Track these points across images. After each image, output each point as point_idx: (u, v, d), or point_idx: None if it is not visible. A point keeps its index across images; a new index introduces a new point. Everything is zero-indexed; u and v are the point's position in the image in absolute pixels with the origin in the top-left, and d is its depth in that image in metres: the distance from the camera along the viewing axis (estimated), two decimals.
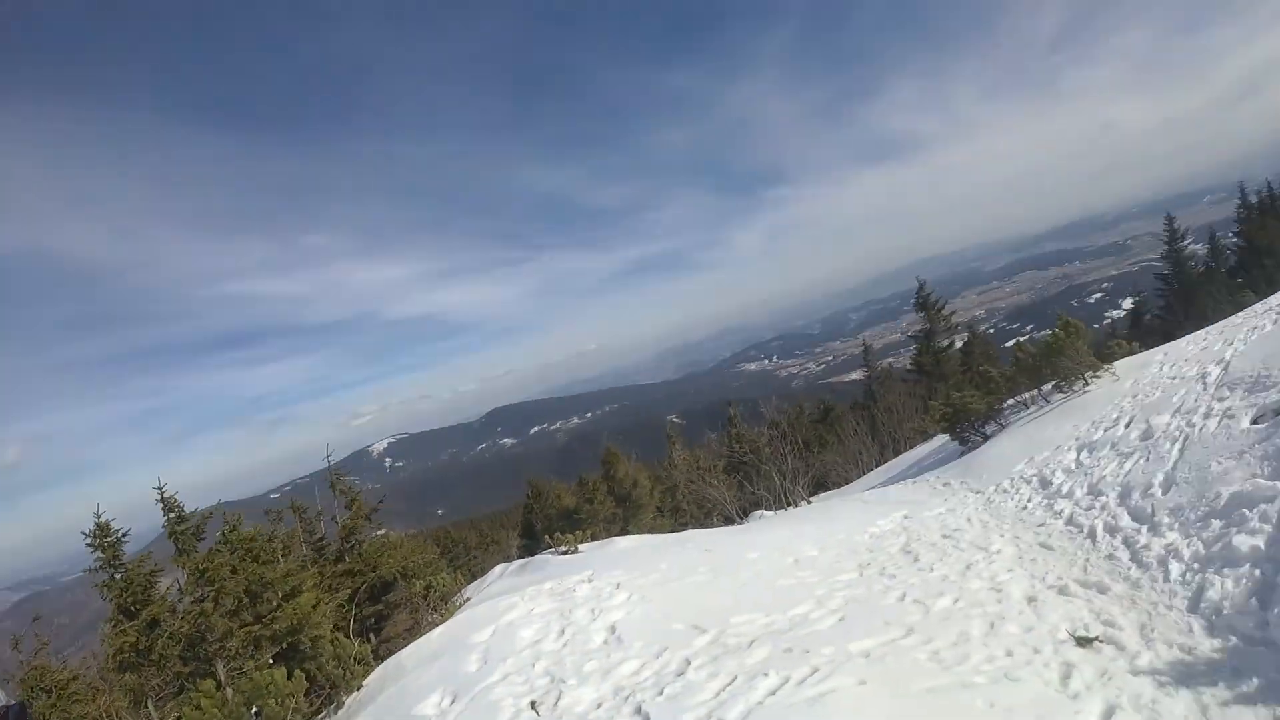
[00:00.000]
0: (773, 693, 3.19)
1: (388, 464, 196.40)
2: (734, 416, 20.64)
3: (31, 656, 4.67)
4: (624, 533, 14.39)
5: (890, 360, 33.00)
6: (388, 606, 6.49)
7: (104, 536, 4.62)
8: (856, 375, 34.86)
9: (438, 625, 5.26)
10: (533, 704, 3.59)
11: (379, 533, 7.11)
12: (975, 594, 4.19)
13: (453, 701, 3.86)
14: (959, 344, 24.01)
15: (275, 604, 4.74)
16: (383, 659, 5.36)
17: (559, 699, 3.62)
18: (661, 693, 3.45)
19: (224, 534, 5.03)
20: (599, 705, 3.49)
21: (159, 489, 4.81)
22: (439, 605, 6.05)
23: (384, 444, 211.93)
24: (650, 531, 14.27)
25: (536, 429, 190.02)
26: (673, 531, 11.33)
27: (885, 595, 4.40)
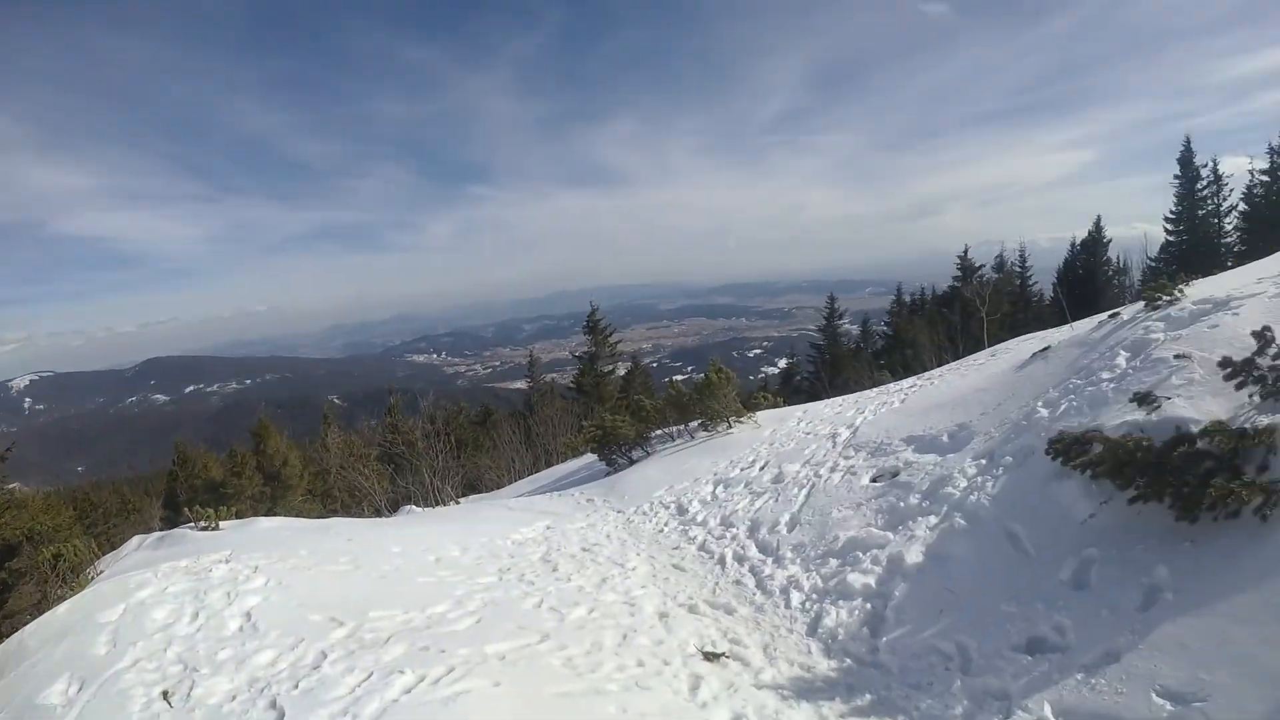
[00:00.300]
0: (408, 690, 4.48)
1: (27, 405, 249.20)
2: (394, 405, 28.73)
3: None
4: (271, 513, 17.89)
5: (554, 375, 45.02)
6: (11, 575, 7.72)
7: None
8: (520, 384, 47.89)
9: (61, 603, 6.39)
10: (164, 694, 4.64)
11: (9, 486, 8.63)
12: (609, 606, 6.17)
13: (80, 689, 4.79)
14: (621, 371, 34.89)
15: None
16: (4, 636, 6.28)
17: (191, 689, 4.66)
18: (297, 686, 4.60)
19: None
20: (233, 697, 4.56)
21: None
22: (69, 577, 7.30)
23: (25, 380, 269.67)
24: (299, 515, 17.91)
25: (192, 388, 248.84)
26: (321, 517, 14.46)
27: (523, 601, 6.28)
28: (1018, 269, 35.61)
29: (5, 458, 8.92)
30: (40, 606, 7.00)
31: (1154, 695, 3.76)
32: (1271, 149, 29.11)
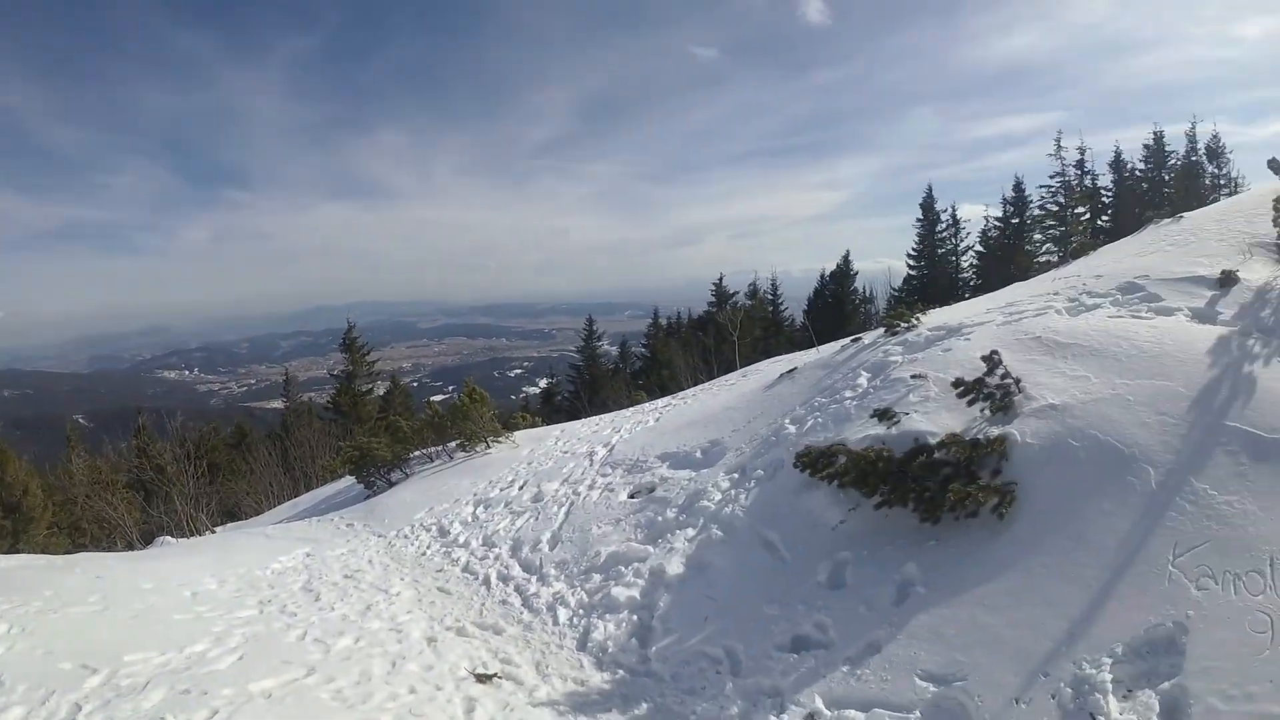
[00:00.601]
0: None
1: None
2: (143, 427, 26.96)
3: None
4: (13, 550, 16.14)
5: (312, 395, 42.77)
6: None
7: None
8: (278, 404, 45.14)
9: None
10: None
11: None
12: (376, 634, 5.99)
13: None
14: (380, 391, 34.01)
15: None
16: None
17: None
18: None
19: None
20: None
21: None
22: None
23: None
24: (43, 550, 16.40)
25: None
26: (69, 553, 13.44)
27: (287, 633, 5.97)
28: (770, 296, 38.07)
29: None
30: None
31: (917, 679, 4.15)
32: (1004, 199, 33.92)
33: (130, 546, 17.59)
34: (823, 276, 37.64)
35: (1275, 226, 7.82)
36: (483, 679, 5.35)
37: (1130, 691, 3.71)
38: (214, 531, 16.79)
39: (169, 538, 15.19)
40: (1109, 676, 3.79)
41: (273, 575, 8.10)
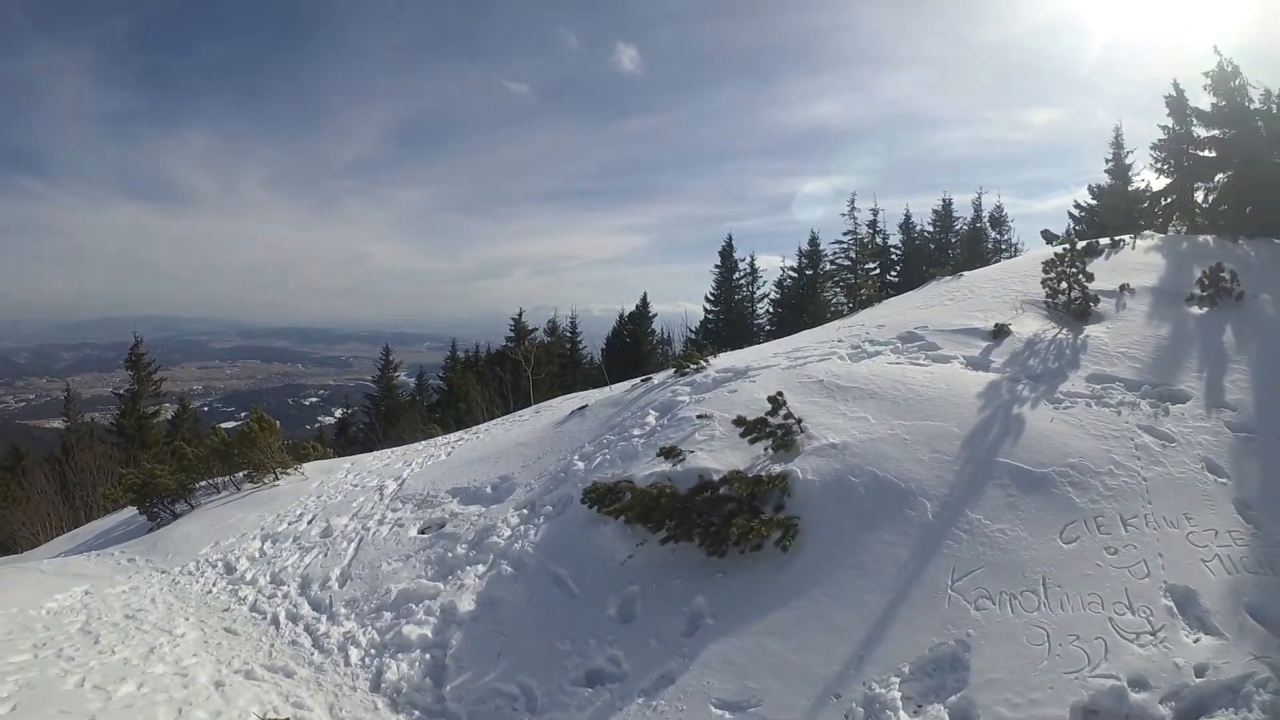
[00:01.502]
0: None
1: None
2: None
3: None
4: None
5: (96, 414, 38.94)
6: None
7: None
8: (58, 423, 41.60)
9: None
10: None
11: None
12: (160, 679, 5.78)
13: None
14: (169, 414, 31.93)
15: None
16: None
17: None
18: None
19: None
20: None
21: None
22: None
23: None
24: None
25: None
26: None
27: (64, 680, 5.66)
28: (569, 334, 38.47)
29: None
30: None
31: (712, 708, 4.46)
32: (801, 251, 36.15)
33: None
34: (622, 317, 38.31)
35: (1044, 287, 8.80)
36: None
37: (920, 707, 4.13)
38: None
39: None
40: (899, 694, 4.22)
41: (48, 615, 7.63)
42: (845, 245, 32.99)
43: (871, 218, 34.73)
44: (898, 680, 4.31)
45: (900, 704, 4.18)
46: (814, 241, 36.35)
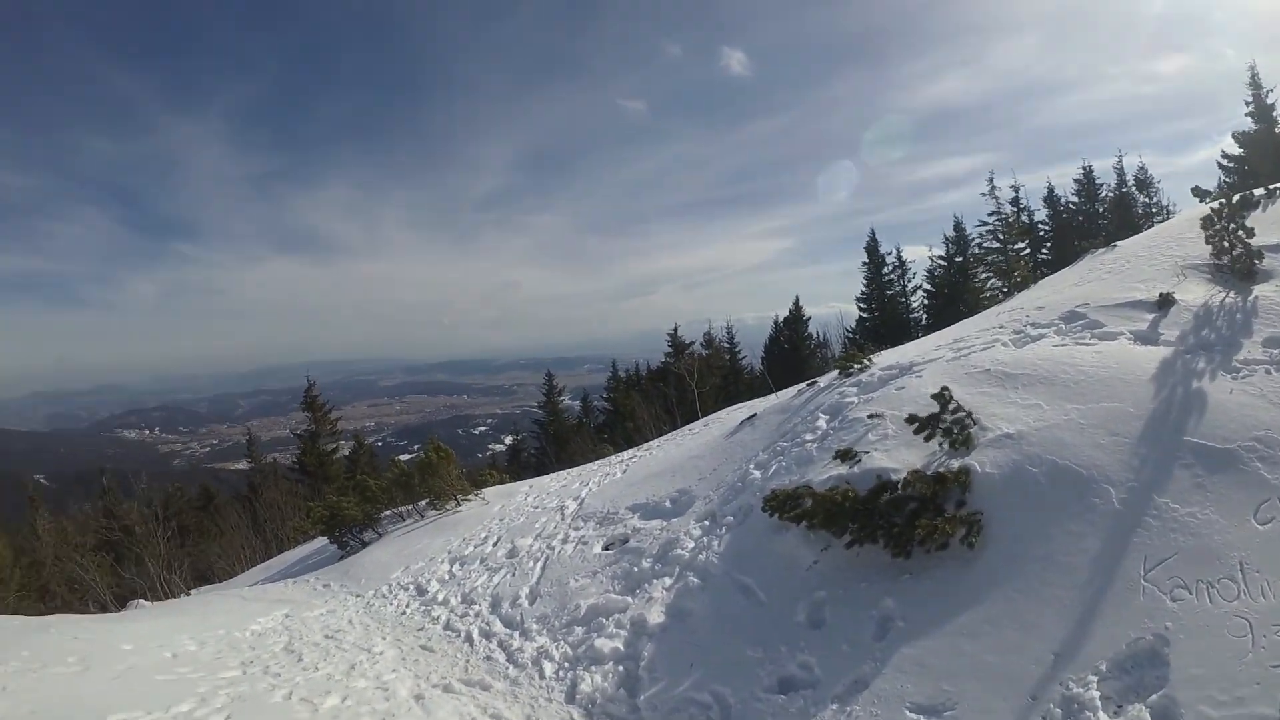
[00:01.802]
0: None
1: None
2: (109, 488, 27.61)
3: None
4: None
5: (277, 455, 42.66)
6: None
7: None
8: (242, 465, 44.95)
9: None
10: None
11: None
12: (363, 692, 6.01)
13: None
14: (346, 450, 33.99)
15: None
16: None
17: None
18: None
19: None
20: None
21: None
22: None
23: None
24: (15, 613, 15.57)
25: None
26: (41, 615, 12.72)
27: (272, 693, 5.96)
28: (726, 344, 38.44)
29: None
30: None
31: (907, 711, 4.24)
32: (946, 239, 34.82)
33: (104, 609, 17.52)
34: (776, 323, 37.93)
35: (1208, 245, 8.08)
36: None
37: (1120, 707, 3.82)
38: (189, 594, 16.81)
39: (143, 601, 15.29)
40: (1097, 694, 3.91)
41: (253, 636, 8.04)
42: (991, 227, 31.16)
43: (1013, 194, 33.36)
44: (1095, 679, 3.99)
45: (1099, 704, 3.87)
46: (958, 226, 34.96)
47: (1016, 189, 33.03)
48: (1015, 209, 32.92)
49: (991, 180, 30.36)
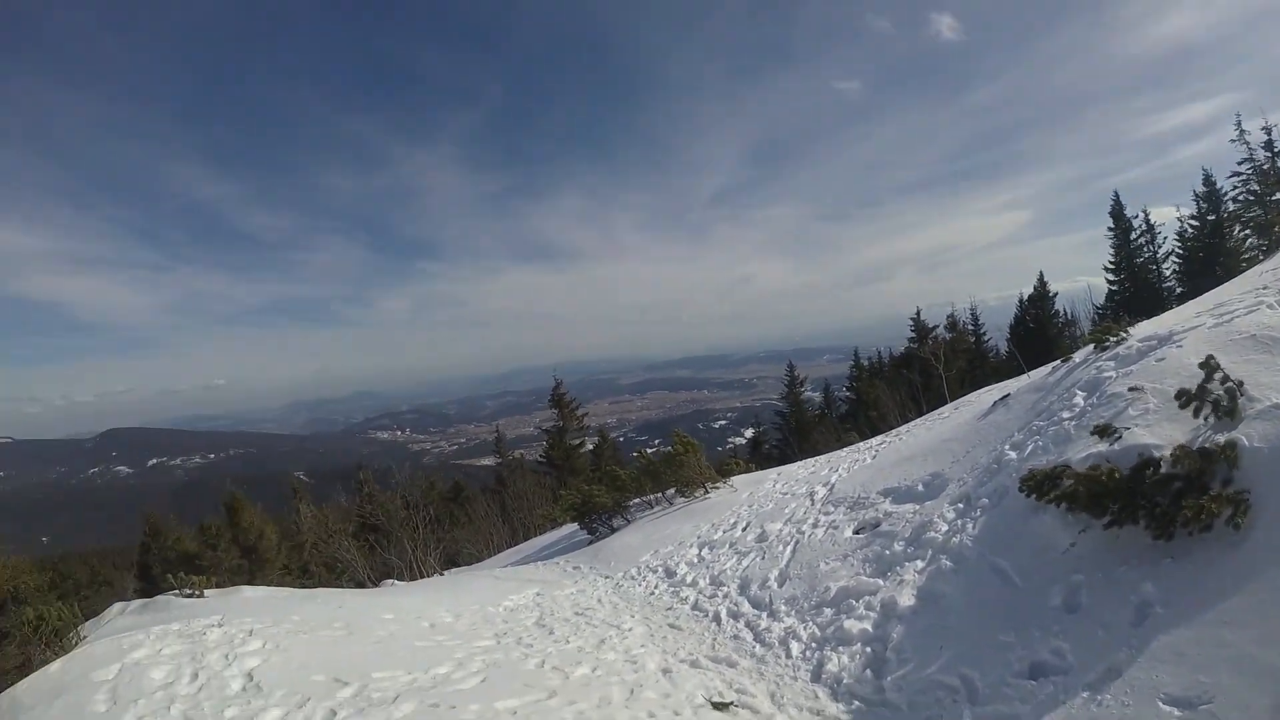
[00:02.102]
0: None
1: None
2: (366, 480, 30.30)
3: None
4: (250, 585, 17.78)
5: (522, 451, 45.68)
6: None
7: None
8: (488, 461, 49.48)
9: (52, 662, 6.63)
10: None
11: None
12: (612, 664, 6.31)
13: None
14: (590, 445, 36.04)
15: None
16: None
17: None
18: None
19: None
20: None
21: None
22: (52, 641, 7.36)
23: None
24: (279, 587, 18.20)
25: (155, 461, 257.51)
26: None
27: (525, 662, 6.40)
28: (970, 327, 36.79)
29: None
30: (24, 670, 7.05)
31: (1160, 703, 3.90)
32: (1196, 196, 31.24)
33: (361, 587, 19.33)
34: (1021, 301, 35.56)
35: None
36: (719, 707, 5.49)
37: None
38: (442, 574, 18.31)
39: (396, 581, 16.78)
40: None
41: (505, 611, 8.68)
42: (1244, 177, 27.49)
43: (1265, 138, 28.46)
44: None
45: None
46: (1208, 181, 30.85)
47: (1269, 130, 28.29)
48: (1270, 154, 28.21)
49: (1239, 124, 27.14)
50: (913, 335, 35.79)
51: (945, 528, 7.07)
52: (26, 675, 6.61)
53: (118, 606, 9.55)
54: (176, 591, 9.83)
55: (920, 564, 6.77)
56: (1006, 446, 7.79)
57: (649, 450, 17.03)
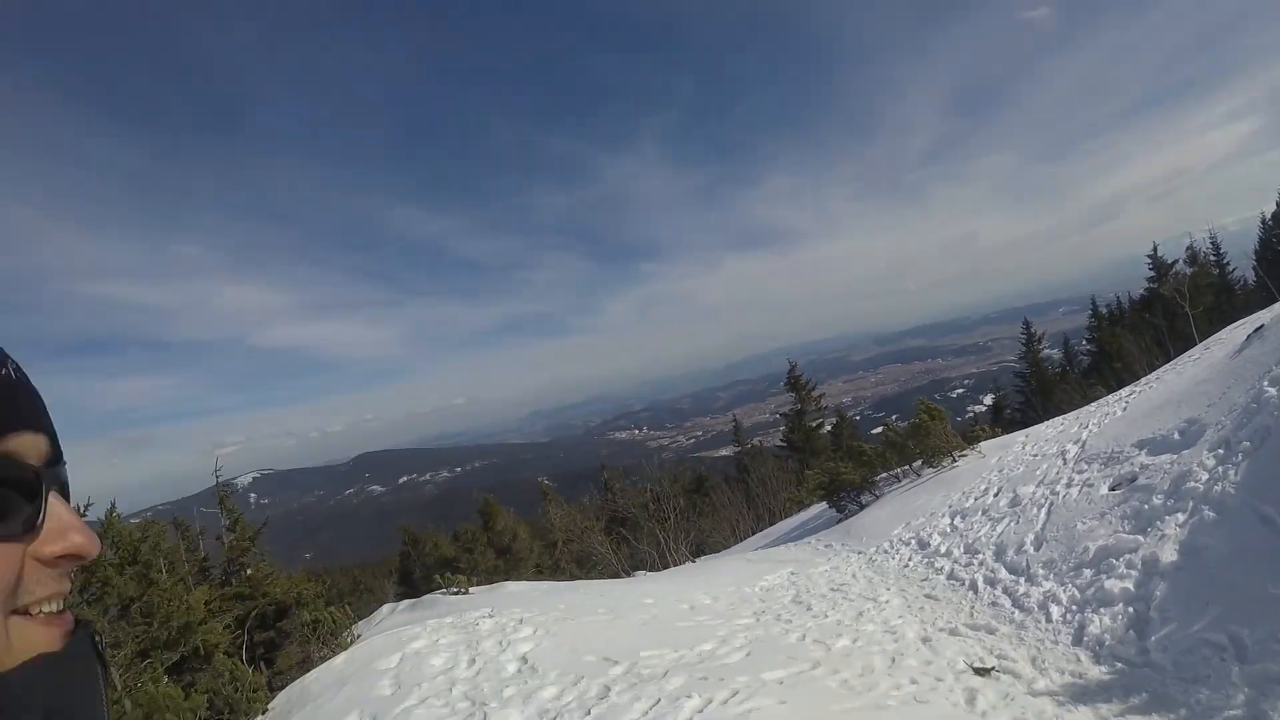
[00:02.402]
0: (700, 711, 5.02)
1: (253, 499, 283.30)
2: (610, 479, 31.85)
3: None
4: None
5: (759, 438, 46.88)
6: (279, 635, 8.94)
7: None
8: (726, 451, 50.45)
9: (333, 657, 7.53)
10: None
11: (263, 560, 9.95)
12: (871, 635, 6.59)
13: None
14: (828, 426, 36.09)
15: (165, 606, 6.69)
16: (276, 691, 7.33)
17: None
18: (589, 713, 5.25)
19: (103, 529, 7.10)
20: None
21: None
22: (329, 639, 8.40)
23: (249, 478, 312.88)
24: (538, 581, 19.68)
25: (405, 478, 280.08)
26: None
27: (785, 636, 6.79)
28: (1212, 257, 33.68)
29: (261, 532, 10.32)
30: (304, 665, 8.03)
31: None
32: None
33: (615, 578, 20.54)
34: (1263, 222, 32.12)
35: None
36: (981, 672, 5.68)
37: None
38: (693, 561, 18.98)
39: (645, 572, 17.71)
40: None
41: (761, 591, 9.18)
42: None
43: None
44: None
45: None
46: None
47: None
48: None
49: None
50: (1151, 275, 33.13)
51: (1205, 476, 6.84)
52: (306, 671, 7.50)
53: (386, 607, 10.64)
54: (443, 590, 10.86)
55: (1181, 516, 6.59)
56: (1265, 383, 7.41)
57: (886, 425, 17.18)
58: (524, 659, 6.68)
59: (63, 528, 0.73)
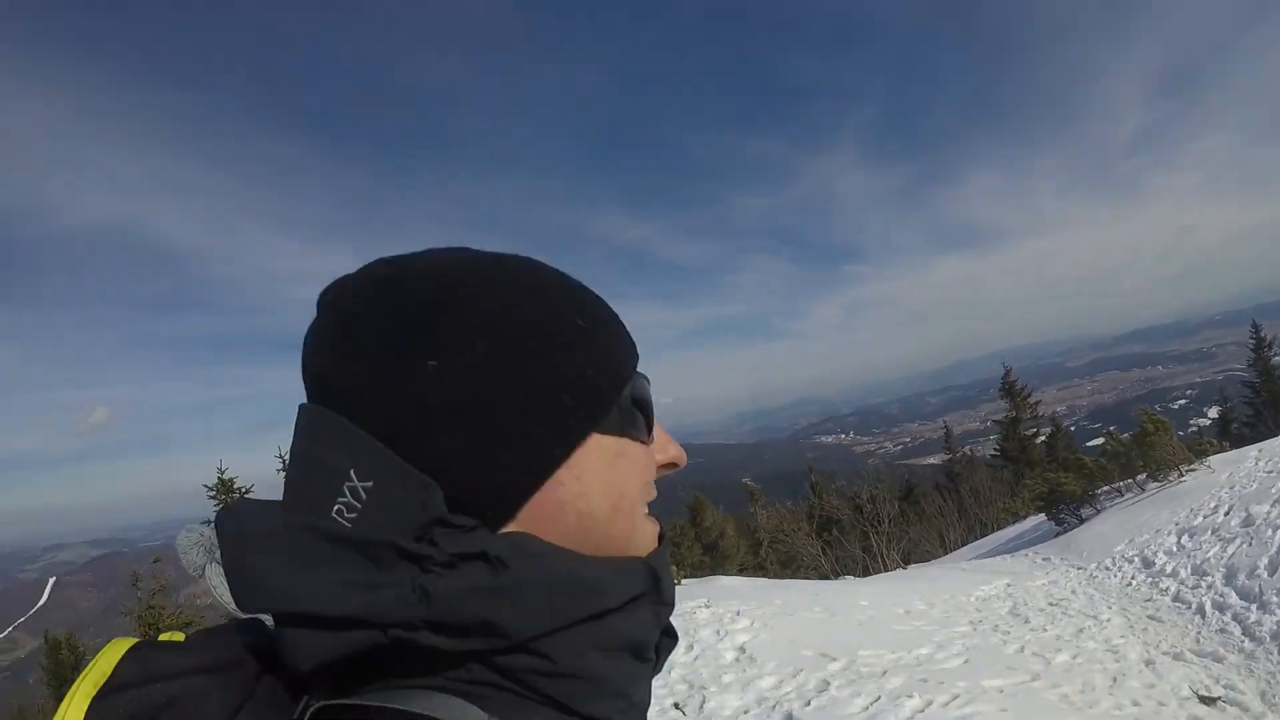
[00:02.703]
0: (920, 711, 5.28)
1: None
2: (818, 482, 31.42)
3: (150, 596, 8.81)
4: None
5: (971, 447, 45.52)
6: None
7: (226, 491, 7.76)
8: (935, 459, 50.24)
9: None
10: (677, 705, 5.94)
11: None
12: (1092, 653, 6.62)
13: None
14: (1043, 436, 34.31)
15: None
16: None
17: (703, 703, 5.88)
18: (809, 704, 5.59)
19: None
20: (745, 711, 5.69)
21: (220, 472, 7.74)
22: None
23: None
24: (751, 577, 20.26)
25: None
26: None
27: (1004, 647, 6.94)
28: None
29: None
30: None
31: None
32: None
33: (823, 579, 20.55)
34: None
35: None
36: (1207, 701, 5.61)
37: None
38: (904, 568, 18.95)
39: (850, 576, 17.91)
40: None
41: (977, 601, 9.28)
42: None
43: None
44: None
45: None
46: None
47: None
48: None
49: None
50: None
51: None
52: None
53: None
54: None
55: None
56: None
57: (1096, 442, 16.66)
58: (741, 649, 7.04)
59: (664, 440, 0.80)
